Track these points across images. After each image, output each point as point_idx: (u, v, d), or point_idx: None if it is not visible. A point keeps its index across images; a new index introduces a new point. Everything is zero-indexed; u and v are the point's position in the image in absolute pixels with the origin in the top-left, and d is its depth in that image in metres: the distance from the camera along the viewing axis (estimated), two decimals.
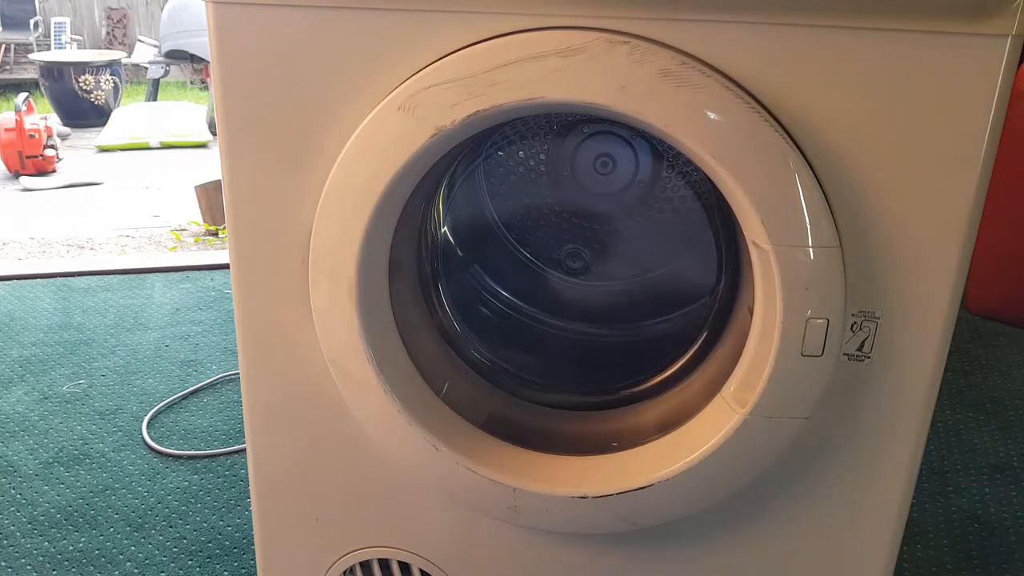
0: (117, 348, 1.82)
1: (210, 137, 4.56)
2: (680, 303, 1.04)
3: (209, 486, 1.34)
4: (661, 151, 1.05)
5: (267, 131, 0.71)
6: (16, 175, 3.97)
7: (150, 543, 1.21)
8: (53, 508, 1.29)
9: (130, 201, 3.65)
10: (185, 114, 4.75)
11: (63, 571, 1.16)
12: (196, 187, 3.03)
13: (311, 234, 0.73)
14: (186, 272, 2.27)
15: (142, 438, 1.47)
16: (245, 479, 1.35)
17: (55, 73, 5.09)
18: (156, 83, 5.11)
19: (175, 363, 1.75)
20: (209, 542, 1.22)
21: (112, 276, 2.22)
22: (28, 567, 1.17)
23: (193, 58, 4.57)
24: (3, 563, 1.17)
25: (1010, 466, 1.40)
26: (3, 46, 6.05)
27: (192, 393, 1.63)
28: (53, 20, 6.14)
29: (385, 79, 0.68)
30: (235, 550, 1.20)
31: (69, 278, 2.20)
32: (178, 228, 3.19)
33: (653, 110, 0.64)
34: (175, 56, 4.63)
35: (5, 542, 1.21)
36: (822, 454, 0.75)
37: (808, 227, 0.65)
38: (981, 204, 0.66)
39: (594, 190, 1.08)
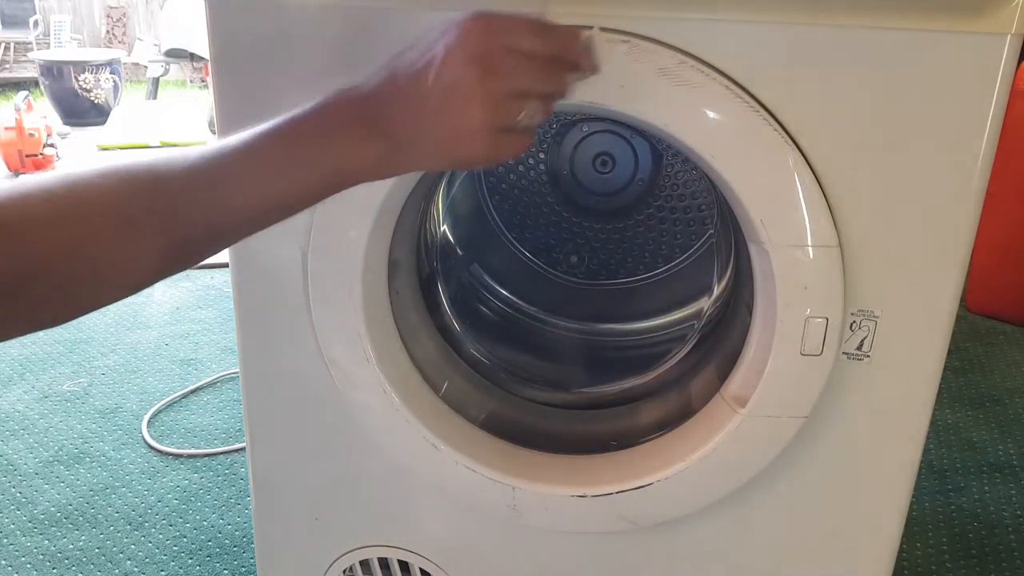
0: (117, 347, 1.82)
1: (210, 136, 4.56)
2: (679, 302, 1.04)
3: (209, 485, 1.34)
4: (660, 150, 1.05)
5: None
6: (16, 174, 3.97)
7: (150, 542, 1.21)
8: (53, 507, 1.29)
9: None
10: (185, 113, 4.75)
11: (63, 569, 1.16)
12: None
13: (311, 233, 0.73)
14: (186, 271, 2.27)
15: (142, 437, 1.47)
16: (245, 478, 1.36)
17: (55, 72, 5.08)
18: (156, 82, 5.10)
19: (175, 362, 1.75)
20: (209, 540, 1.22)
21: None
22: (28, 565, 1.17)
23: (193, 56, 4.56)
24: (3, 562, 1.17)
25: (1010, 465, 1.40)
26: (3, 44, 6.04)
27: (192, 392, 1.63)
28: (53, 19, 6.13)
29: None
30: (235, 548, 1.20)
31: None
32: None
33: (652, 109, 0.64)
34: (175, 55, 4.62)
35: (5, 541, 1.21)
36: (821, 453, 0.75)
37: (807, 226, 0.65)
38: (981, 203, 0.65)
39: (593, 189, 1.08)
